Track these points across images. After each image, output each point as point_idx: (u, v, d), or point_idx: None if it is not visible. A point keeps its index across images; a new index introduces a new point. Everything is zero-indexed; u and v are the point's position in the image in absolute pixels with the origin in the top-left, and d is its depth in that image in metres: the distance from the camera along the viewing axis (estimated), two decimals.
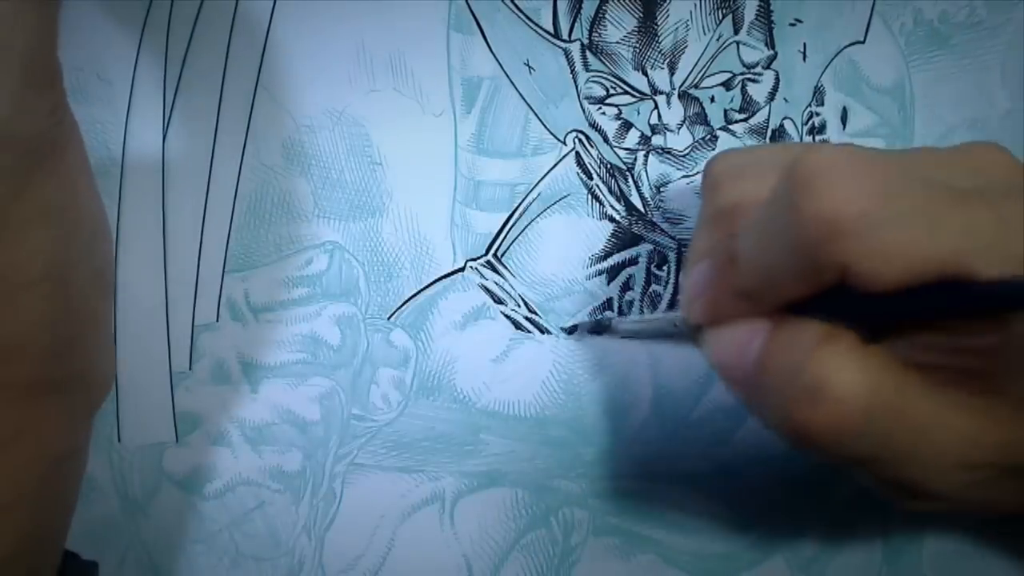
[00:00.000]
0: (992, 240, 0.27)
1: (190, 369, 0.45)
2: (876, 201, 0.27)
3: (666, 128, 0.46)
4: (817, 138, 0.47)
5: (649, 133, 0.46)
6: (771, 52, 0.46)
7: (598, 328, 0.46)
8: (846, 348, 0.30)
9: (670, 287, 0.47)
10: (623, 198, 0.46)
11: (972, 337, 0.30)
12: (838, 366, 0.29)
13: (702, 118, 0.46)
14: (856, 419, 0.29)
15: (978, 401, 0.30)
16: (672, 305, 0.46)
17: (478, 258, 0.45)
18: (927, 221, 0.27)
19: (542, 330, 0.46)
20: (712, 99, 0.46)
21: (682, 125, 0.46)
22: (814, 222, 0.28)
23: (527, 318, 0.46)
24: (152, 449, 0.45)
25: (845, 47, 0.47)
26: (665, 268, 0.46)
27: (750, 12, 0.46)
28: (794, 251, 0.29)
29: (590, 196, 0.46)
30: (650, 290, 0.46)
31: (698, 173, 0.46)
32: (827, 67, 0.47)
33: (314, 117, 0.45)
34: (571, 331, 0.46)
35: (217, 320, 0.45)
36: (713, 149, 0.47)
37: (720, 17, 0.46)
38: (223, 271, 0.45)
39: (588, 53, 0.45)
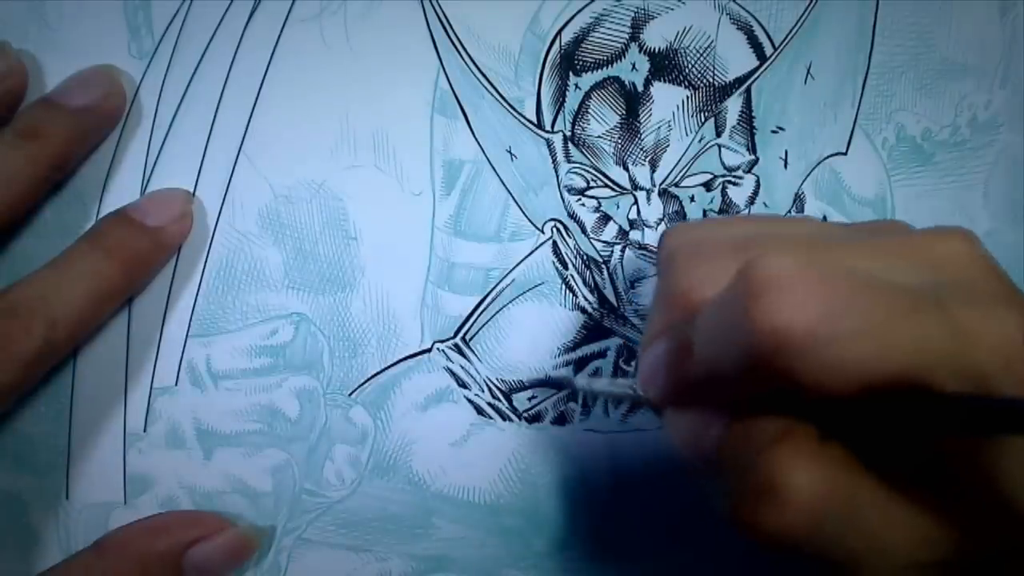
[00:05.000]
0: (947, 352, 0.27)
1: (144, 431, 0.44)
2: (826, 316, 0.27)
3: (644, 224, 0.46)
4: None
5: (627, 228, 0.45)
6: (752, 157, 0.46)
7: (559, 385, 0.46)
8: (801, 447, 0.29)
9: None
10: (597, 290, 0.46)
11: (929, 442, 0.30)
12: (792, 465, 0.29)
13: (681, 216, 0.46)
14: (806, 521, 0.29)
15: (933, 501, 0.30)
16: (636, 403, 0.46)
17: (446, 340, 0.45)
18: (877, 336, 0.27)
19: (504, 417, 0.45)
20: (692, 199, 0.46)
21: (661, 222, 0.46)
22: (763, 334, 0.27)
23: (490, 404, 0.46)
24: (100, 509, 0.45)
25: (827, 157, 0.47)
26: (633, 364, 0.46)
27: (732, 116, 0.46)
28: (744, 357, 0.28)
29: (564, 286, 0.45)
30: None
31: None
32: (808, 175, 0.46)
33: (293, 188, 0.44)
34: (534, 385, 0.46)
35: (176, 384, 0.45)
36: None
37: (703, 119, 0.45)
38: (187, 335, 0.44)
39: (570, 145, 0.45)
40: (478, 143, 0.45)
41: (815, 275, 0.27)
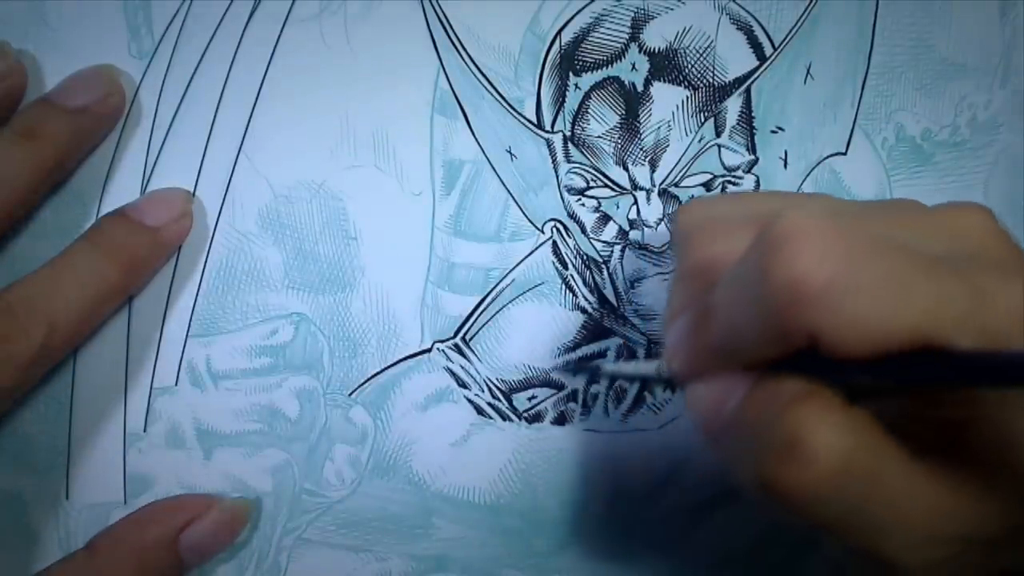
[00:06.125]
0: (964, 312, 0.27)
1: (144, 431, 0.44)
2: (845, 269, 0.27)
3: (644, 224, 0.46)
4: None
5: (627, 228, 0.45)
6: (752, 157, 0.46)
7: (585, 369, 0.46)
8: (825, 407, 0.29)
9: (636, 383, 0.46)
10: (597, 290, 0.46)
11: (949, 407, 0.30)
12: (815, 424, 0.28)
13: None
14: (828, 480, 0.28)
15: (953, 472, 0.29)
16: (636, 403, 0.46)
17: (446, 340, 0.45)
18: (896, 291, 0.27)
19: (504, 417, 0.45)
20: (692, 198, 0.46)
21: (660, 222, 0.46)
22: (782, 287, 0.27)
23: (490, 404, 0.46)
24: (100, 509, 0.45)
25: (827, 157, 0.47)
26: (633, 363, 0.46)
27: (732, 117, 0.46)
28: (764, 314, 0.28)
29: (564, 286, 0.45)
30: (616, 384, 0.46)
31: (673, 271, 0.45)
32: (808, 175, 0.47)
33: (293, 188, 0.44)
34: (564, 369, 0.46)
35: (176, 384, 0.45)
36: None
37: (702, 119, 0.45)
38: (187, 335, 0.44)
39: (570, 145, 0.45)
40: (478, 143, 0.45)
41: (834, 231, 0.28)
